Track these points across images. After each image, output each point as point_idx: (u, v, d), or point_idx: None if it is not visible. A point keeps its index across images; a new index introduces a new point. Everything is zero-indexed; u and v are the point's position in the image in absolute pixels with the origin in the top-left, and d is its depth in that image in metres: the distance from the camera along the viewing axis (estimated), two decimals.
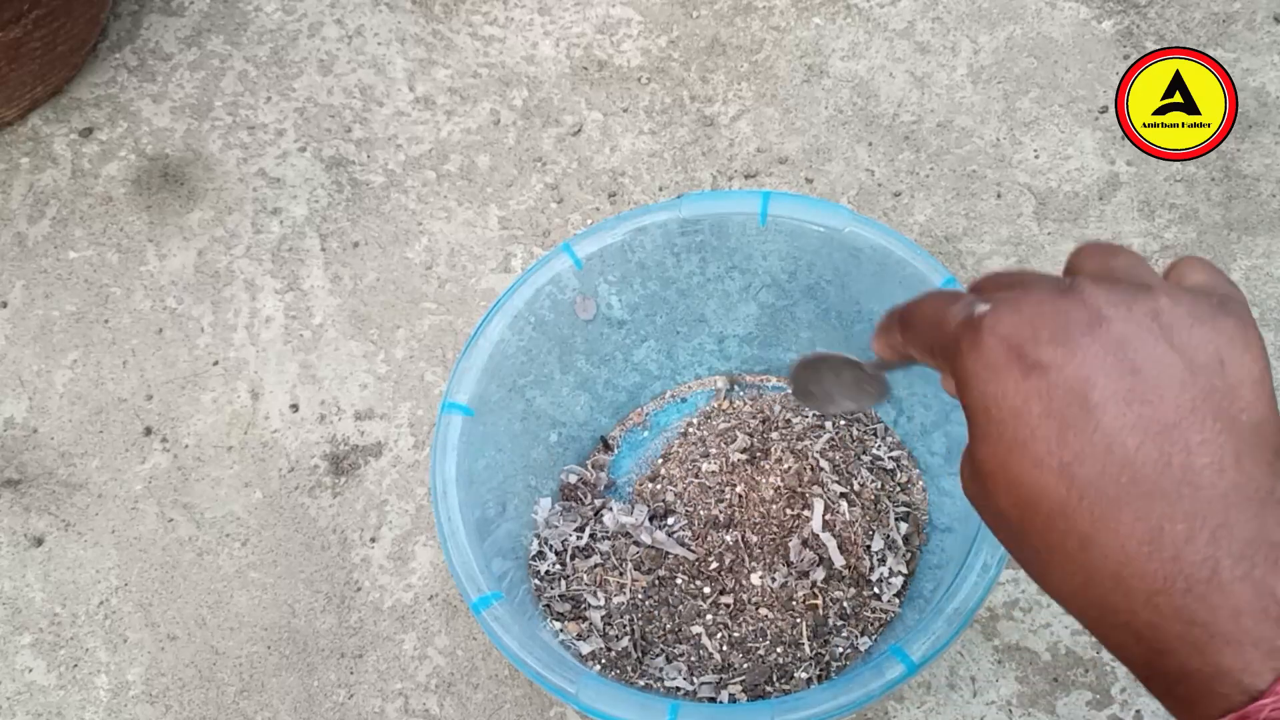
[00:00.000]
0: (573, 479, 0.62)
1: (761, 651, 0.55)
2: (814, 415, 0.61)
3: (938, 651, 0.44)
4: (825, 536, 0.56)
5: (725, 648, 0.56)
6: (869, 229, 0.54)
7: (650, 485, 0.62)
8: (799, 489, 0.58)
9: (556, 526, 0.59)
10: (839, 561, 0.56)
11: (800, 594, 0.56)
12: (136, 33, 0.87)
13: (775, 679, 0.54)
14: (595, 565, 0.58)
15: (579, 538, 0.59)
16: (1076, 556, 0.26)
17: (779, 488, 0.58)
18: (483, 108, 0.81)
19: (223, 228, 0.77)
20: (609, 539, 0.59)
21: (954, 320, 0.30)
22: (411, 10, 0.86)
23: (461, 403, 0.53)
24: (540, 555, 0.58)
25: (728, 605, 0.57)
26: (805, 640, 0.55)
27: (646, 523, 0.58)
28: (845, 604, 0.56)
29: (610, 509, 0.60)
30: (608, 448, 0.64)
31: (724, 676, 0.55)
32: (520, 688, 0.60)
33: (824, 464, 0.58)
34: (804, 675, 0.54)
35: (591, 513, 0.60)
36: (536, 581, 0.58)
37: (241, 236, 0.77)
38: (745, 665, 0.55)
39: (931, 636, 0.45)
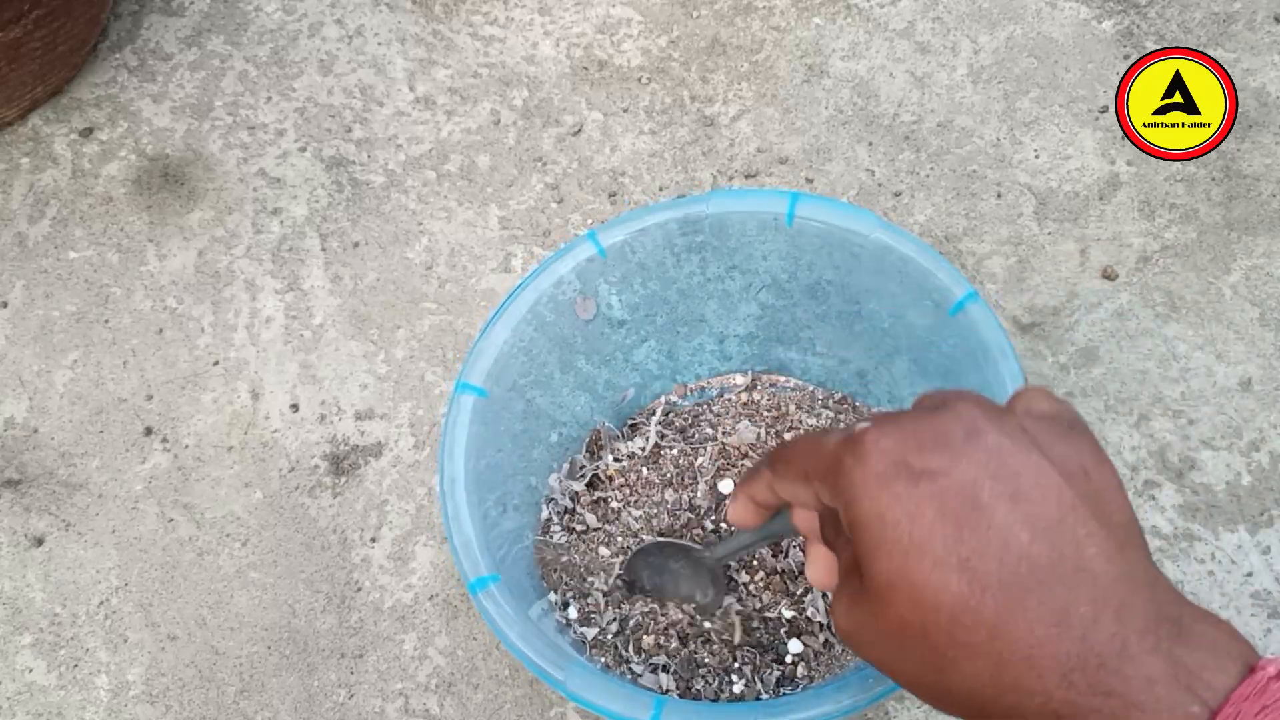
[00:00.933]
0: (599, 427, 0.63)
1: (693, 647, 0.55)
2: (830, 417, 0.62)
3: None
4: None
5: (673, 641, 0.56)
6: (895, 237, 0.54)
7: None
8: None
9: (568, 483, 0.60)
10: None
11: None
12: (136, 33, 0.87)
13: (708, 678, 0.54)
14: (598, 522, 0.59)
15: (585, 476, 0.60)
16: (986, 646, 0.26)
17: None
18: (483, 108, 0.81)
19: (223, 228, 0.77)
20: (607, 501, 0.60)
21: (832, 442, 0.31)
22: (411, 10, 0.86)
23: (475, 384, 0.53)
24: (549, 524, 0.59)
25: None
26: (738, 640, 0.55)
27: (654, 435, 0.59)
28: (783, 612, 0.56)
29: (619, 443, 0.60)
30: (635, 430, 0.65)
31: (655, 661, 0.55)
32: (521, 688, 0.60)
33: None
34: (739, 688, 0.54)
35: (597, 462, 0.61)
36: (543, 555, 0.58)
37: (241, 236, 0.77)
38: (682, 654, 0.55)
39: None
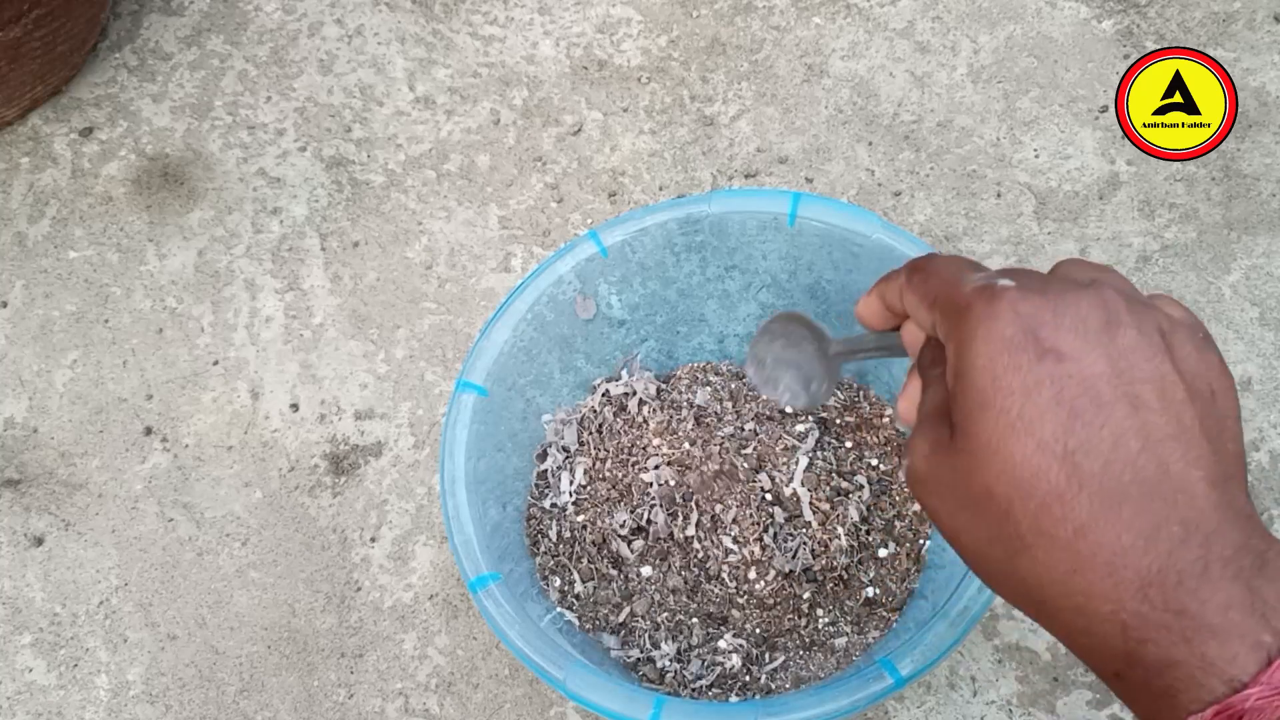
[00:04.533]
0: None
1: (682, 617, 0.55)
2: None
3: (927, 667, 0.44)
4: (802, 491, 0.56)
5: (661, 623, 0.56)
6: (896, 237, 0.54)
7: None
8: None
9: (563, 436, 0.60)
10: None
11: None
12: (136, 32, 0.87)
13: (704, 650, 0.54)
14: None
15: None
16: (1068, 543, 0.26)
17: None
18: (483, 107, 0.81)
19: (223, 227, 0.77)
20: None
21: (972, 283, 0.30)
22: (411, 10, 0.86)
23: (476, 382, 0.54)
24: (547, 527, 0.59)
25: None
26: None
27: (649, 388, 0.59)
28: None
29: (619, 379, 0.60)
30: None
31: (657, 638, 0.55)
32: (520, 687, 0.60)
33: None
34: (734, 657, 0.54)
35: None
36: (541, 551, 0.58)
37: (241, 236, 0.77)
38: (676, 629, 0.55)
39: (922, 651, 0.44)
